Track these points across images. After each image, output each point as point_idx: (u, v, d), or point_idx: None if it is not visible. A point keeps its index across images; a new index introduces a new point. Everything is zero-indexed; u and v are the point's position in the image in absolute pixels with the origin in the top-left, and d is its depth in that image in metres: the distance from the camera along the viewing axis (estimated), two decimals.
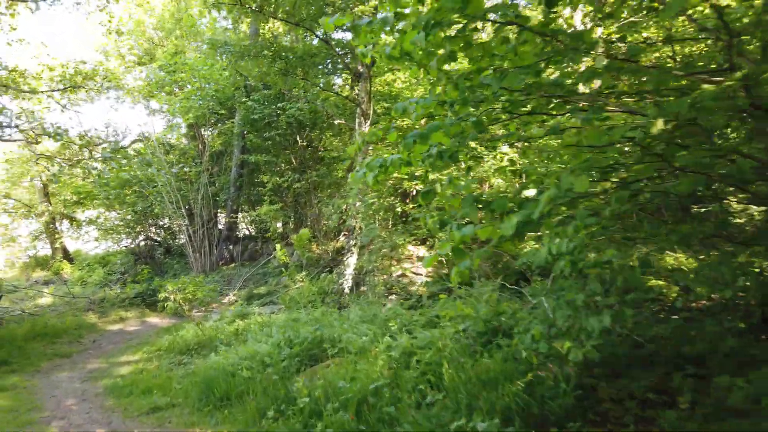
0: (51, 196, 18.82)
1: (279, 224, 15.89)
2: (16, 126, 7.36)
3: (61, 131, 7.36)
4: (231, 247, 16.91)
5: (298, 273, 13.56)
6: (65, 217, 19.15)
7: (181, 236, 16.84)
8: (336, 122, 11.84)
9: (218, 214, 17.19)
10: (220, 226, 17.43)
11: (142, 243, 18.56)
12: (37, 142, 7.32)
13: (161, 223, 18.04)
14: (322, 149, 15.65)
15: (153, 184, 17.09)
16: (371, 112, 11.87)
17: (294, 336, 5.51)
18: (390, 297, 10.48)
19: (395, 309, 7.03)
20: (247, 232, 18.20)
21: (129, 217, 17.03)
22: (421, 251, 12.66)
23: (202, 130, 17.10)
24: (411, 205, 12.53)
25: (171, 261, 17.19)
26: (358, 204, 10.87)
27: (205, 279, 15.26)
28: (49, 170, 16.87)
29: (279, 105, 13.54)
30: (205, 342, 7.57)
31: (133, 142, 19.20)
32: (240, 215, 17.45)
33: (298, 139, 14.57)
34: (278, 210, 13.43)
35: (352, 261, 11.64)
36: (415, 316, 6.33)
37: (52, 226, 18.50)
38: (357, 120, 11.66)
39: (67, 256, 18.54)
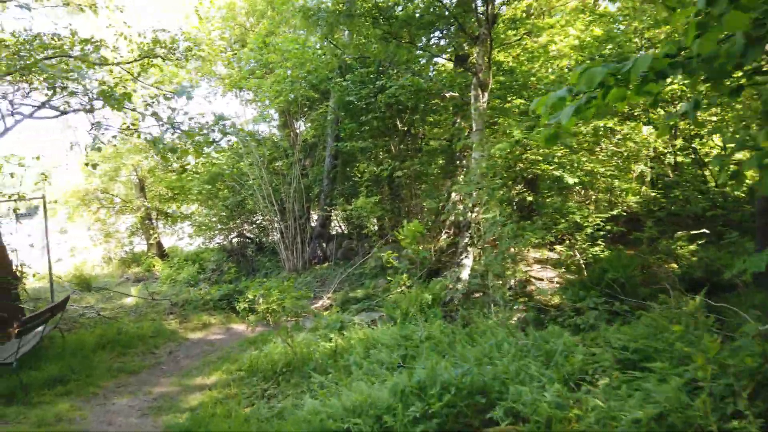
0: (146, 191, 18.49)
1: (375, 220, 14.13)
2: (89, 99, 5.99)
3: (118, 96, 5.91)
4: (324, 244, 15.45)
5: (399, 275, 11.74)
6: (160, 213, 18.75)
7: (274, 233, 15.66)
8: (447, 95, 9.79)
9: (310, 209, 15.84)
10: (312, 223, 16.10)
11: (235, 240, 17.72)
12: (91, 109, 5.94)
13: (253, 219, 17.01)
14: (423, 135, 13.70)
15: (245, 179, 16.12)
16: (490, 82, 9.71)
17: (428, 381, 3.53)
18: (516, 308, 8.34)
19: (555, 332, 4.85)
20: (340, 230, 16.70)
21: (222, 213, 16.13)
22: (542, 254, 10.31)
23: (294, 119, 15.79)
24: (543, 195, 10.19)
25: (263, 259, 16.08)
26: (474, 194, 8.77)
27: (296, 280, 13.90)
28: (142, 163, 16.40)
29: (378, 84, 11.74)
30: (295, 363, 5.88)
31: (227, 134, 18.40)
32: (333, 211, 16.00)
33: (398, 123, 12.74)
34: (376, 203, 11.63)
35: (467, 262, 9.56)
36: (596, 349, 4.15)
37: (147, 221, 18.15)
38: (473, 92, 9.56)
39: (162, 252, 18.08)
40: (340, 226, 17.09)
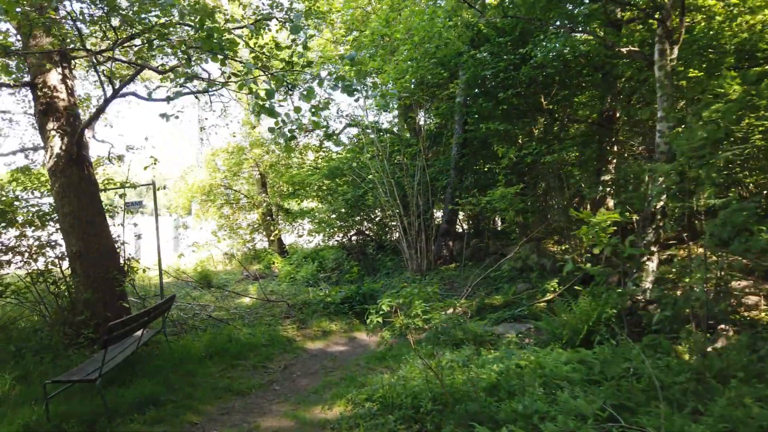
0: (267, 187, 18.14)
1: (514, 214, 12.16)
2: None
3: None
4: (450, 243, 13.74)
5: (547, 280, 9.68)
6: (281, 209, 18.29)
7: (394, 230, 14.33)
8: (624, 50, 7.59)
9: (434, 204, 14.25)
10: (437, 219, 14.52)
11: (354, 238, 16.70)
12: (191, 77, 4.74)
13: (373, 216, 15.83)
14: (569, 116, 11.46)
15: (366, 172, 14.98)
16: (683, 30, 7.36)
17: None
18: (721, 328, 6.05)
19: None
20: (461, 228, 14.95)
21: (342, 210, 15.12)
22: None
23: (418, 104, 14.27)
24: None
25: (383, 258, 14.80)
26: (659, 181, 6.54)
27: (421, 281, 12.38)
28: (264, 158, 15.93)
29: (520, 52, 9.75)
30: (444, 400, 4.26)
31: (347, 126, 17.46)
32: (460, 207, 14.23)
33: (542, 100, 10.66)
34: (517, 193, 9.69)
35: (651, 266, 7.34)
36: None
37: (268, 218, 17.75)
38: (657, 46, 7.28)
39: (282, 249, 17.57)
40: (467, 222, 15.31)
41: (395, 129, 16.56)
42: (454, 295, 10.44)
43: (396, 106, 15.37)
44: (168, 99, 5.10)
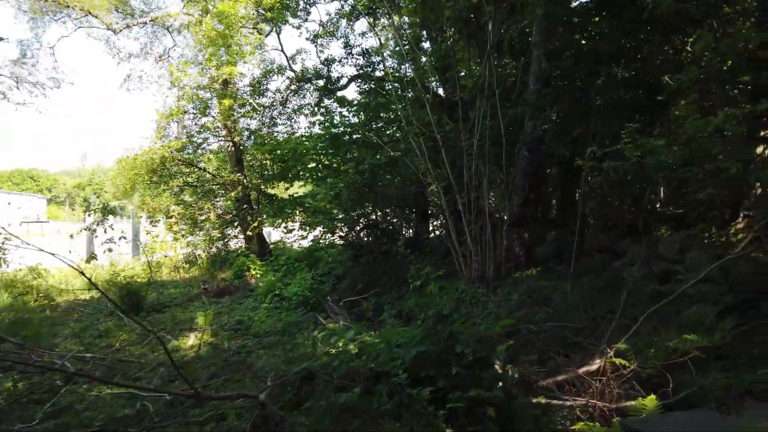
0: (245, 164, 13.19)
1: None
2: None
3: None
4: (526, 235, 8.87)
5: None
6: (264, 196, 13.37)
7: (437, 218, 9.51)
8: None
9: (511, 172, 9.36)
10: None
11: (363, 232, 11.82)
12: None
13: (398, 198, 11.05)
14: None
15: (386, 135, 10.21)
16: None
17: None
18: None
19: None
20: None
21: (352, 189, 10.28)
22: None
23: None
24: None
25: (414, 257, 9.96)
26: None
27: (490, 301, 7.63)
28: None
29: None
30: None
31: (353, 79, 12.52)
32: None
33: None
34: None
35: None
36: None
37: (245, 206, 12.77)
38: None
39: (264, 248, 12.58)
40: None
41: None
42: (586, 334, 5.49)
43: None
44: None
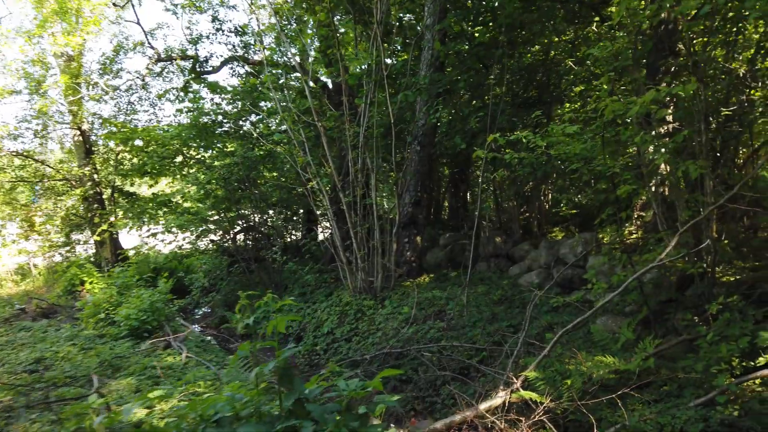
0: (96, 156, 11.14)
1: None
2: None
3: None
4: (417, 239, 8.07)
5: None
6: (120, 193, 11.43)
7: (321, 221, 8.42)
8: None
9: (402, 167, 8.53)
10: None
11: (240, 237, 10.40)
12: None
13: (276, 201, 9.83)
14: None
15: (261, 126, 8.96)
16: None
17: None
18: None
19: None
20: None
21: (219, 193, 8.84)
22: None
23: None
24: None
25: (299, 267, 8.77)
26: None
27: (376, 314, 6.72)
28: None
29: None
30: None
31: (226, 62, 11.00)
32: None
33: None
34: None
35: None
36: None
37: (95, 205, 10.72)
38: None
39: (118, 256, 10.63)
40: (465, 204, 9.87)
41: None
42: (498, 363, 4.64)
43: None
44: None
